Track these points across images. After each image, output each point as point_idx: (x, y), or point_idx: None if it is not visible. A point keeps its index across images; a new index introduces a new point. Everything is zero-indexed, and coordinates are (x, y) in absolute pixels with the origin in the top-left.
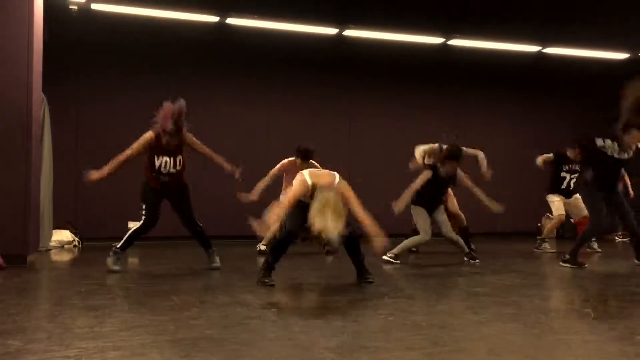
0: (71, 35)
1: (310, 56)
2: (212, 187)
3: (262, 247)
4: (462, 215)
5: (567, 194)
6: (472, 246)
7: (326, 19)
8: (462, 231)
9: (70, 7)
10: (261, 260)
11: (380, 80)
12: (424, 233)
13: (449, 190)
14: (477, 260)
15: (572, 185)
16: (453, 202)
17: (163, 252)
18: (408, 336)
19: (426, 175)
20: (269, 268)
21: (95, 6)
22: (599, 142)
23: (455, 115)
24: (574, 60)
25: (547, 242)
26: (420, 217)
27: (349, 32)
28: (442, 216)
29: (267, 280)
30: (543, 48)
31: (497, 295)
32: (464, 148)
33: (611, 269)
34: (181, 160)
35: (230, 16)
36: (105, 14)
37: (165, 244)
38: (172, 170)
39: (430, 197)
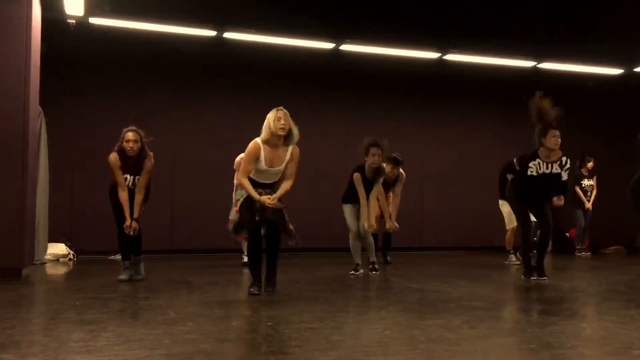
0: (69, 49)
1: (306, 70)
2: (196, 200)
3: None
4: (395, 223)
5: None
6: (388, 257)
7: (323, 34)
8: (385, 236)
9: (68, 21)
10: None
11: (376, 94)
12: (351, 229)
13: (394, 192)
14: (376, 272)
15: None
16: (395, 204)
17: (158, 265)
18: (405, 350)
19: (358, 183)
20: (253, 276)
21: (93, 20)
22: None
23: (451, 130)
24: (570, 76)
25: (512, 253)
26: (347, 215)
27: (346, 47)
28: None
29: (252, 290)
30: (538, 63)
31: (493, 309)
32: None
33: (609, 284)
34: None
35: (228, 30)
36: (102, 28)
37: (160, 257)
38: (132, 186)
39: (355, 196)
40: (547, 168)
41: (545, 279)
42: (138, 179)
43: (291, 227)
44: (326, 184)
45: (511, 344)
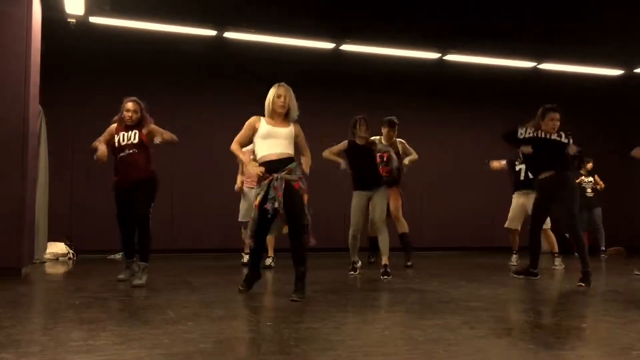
0: (69, 49)
1: (307, 70)
2: (196, 200)
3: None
4: (404, 221)
5: (527, 185)
6: (409, 262)
7: (323, 34)
8: (401, 238)
9: (69, 20)
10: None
11: (376, 94)
12: (352, 224)
13: (396, 194)
14: (388, 277)
15: (528, 174)
16: (396, 205)
17: (157, 265)
18: (404, 351)
19: (342, 144)
20: (247, 273)
21: (93, 20)
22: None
23: (451, 130)
24: (570, 76)
25: (515, 254)
26: (353, 207)
27: (346, 47)
28: (378, 200)
29: (240, 288)
30: (538, 64)
31: (493, 310)
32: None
33: (608, 284)
34: (137, 133)
35: (228, 30)
36: (103, 27)
37: (159, 257)
38: (129, 141)
39: (360, 175)
40: (544, 135)
41: (582, 285)
42: (136, 134)
43: (308, 218)
44: (326, 184)
45: (510, 344)
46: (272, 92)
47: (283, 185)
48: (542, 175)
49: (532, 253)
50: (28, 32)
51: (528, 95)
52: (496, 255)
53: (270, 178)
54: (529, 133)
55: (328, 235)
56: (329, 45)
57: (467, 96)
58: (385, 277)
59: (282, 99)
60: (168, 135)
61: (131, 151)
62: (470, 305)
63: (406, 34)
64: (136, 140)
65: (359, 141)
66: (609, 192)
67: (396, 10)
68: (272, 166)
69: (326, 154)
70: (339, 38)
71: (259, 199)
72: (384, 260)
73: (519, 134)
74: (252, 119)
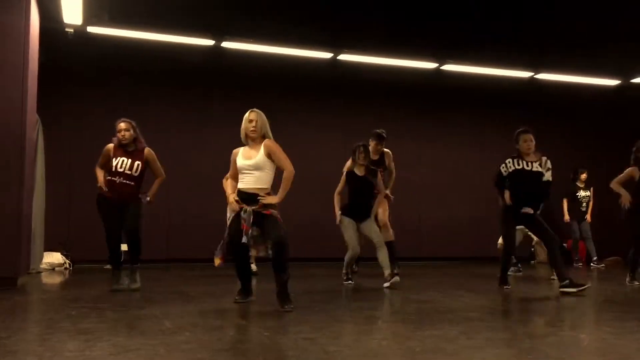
0: (67, 58)
1: (304, 80)
2: (193, 209)
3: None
4: (391, 230)
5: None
6: (396, 270)
7: (321, 44)
8: (387, 246)
9: (66, 30)
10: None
11: (374, 104)
12: (351, 248)
13: (384, 201)
14: (390, 288)
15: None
16: (384, 213)
17: (154, 275)
18: None
19: (342, 178)
20: (241, 288)
21: (91, 29)
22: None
23: (448, 139)
24: (566, 86)
25: (514, 264)
26: (346, 230)
27: (344, 57)
28: (368, 227)
29: (237, 298)
30: (536, 74)
31: (491, 320)
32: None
33: (606, 295)
34: (139, 165)
35: (226, 40)
36: (101, 37)
37: (156, 267)
38: (127, 171)
39: (354, 205)
40: (527, 165)
41: (573, 290)
42: (138, 165)
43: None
44: (324, 193)
45: (508, 355)
46: (244, 118)
47: (251, 219)
48: (523, 210)
49: (502, 267)
50: (26, 42)
51: (525, 105)
52: (493, 266)
53: (240, 207)
54: (511, 167)
55: (323, 245)
56: (326, 55)
57: (465, 106)
58: (388, 288)
59: (253, 123)
60: (156, 184)
61: (126, 182)
62: (468, 315)
63: (404, 44)
64: (137, 174)
65: (357, 170)
66: (607, 201)
67: (394, 20)
68: (243, 197)
69: (335, 198)
70: (337, 48)
71: (229, 222)
72: (386, 273)
73: (503, 172)
74: (233, 153)
